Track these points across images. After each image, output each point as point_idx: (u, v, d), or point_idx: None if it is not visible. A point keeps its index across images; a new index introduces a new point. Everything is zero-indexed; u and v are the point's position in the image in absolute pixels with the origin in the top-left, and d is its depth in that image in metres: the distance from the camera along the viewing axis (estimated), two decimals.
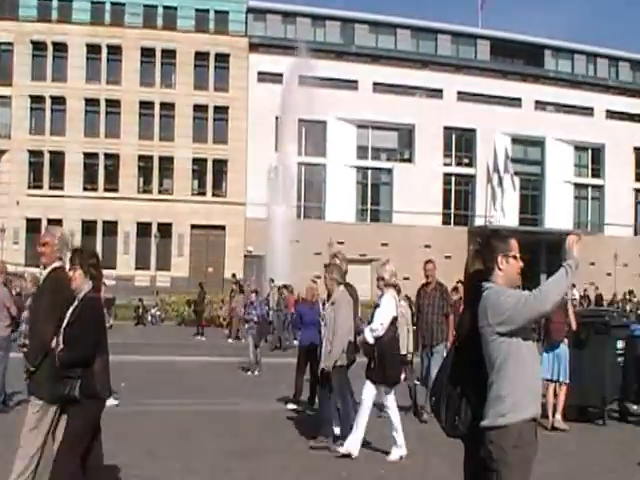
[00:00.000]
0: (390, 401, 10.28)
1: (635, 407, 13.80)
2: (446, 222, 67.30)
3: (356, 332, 10.56)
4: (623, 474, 9.80)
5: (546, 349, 12.69)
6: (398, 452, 10.06)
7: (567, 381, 12.64)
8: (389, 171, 66.77)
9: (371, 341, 10.08)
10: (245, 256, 60.04)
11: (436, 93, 66.74)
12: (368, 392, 10.17)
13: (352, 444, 10.08)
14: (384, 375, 10.10)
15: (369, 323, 10.28)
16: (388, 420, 10.25)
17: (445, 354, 12.56)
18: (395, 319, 10.35)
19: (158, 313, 44.28)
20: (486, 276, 5.29)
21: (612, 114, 71.91)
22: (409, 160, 67.30)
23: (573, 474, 9.74)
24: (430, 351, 13.27)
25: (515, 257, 5.28)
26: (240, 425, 12.52)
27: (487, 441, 5.06)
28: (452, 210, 68.02)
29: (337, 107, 59.72)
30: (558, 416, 12.51)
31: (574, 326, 12.62)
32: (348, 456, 10.02)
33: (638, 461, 10.19)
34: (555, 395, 12.78)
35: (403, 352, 13.58)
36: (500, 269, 5.23)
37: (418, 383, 14.11)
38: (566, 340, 12.68)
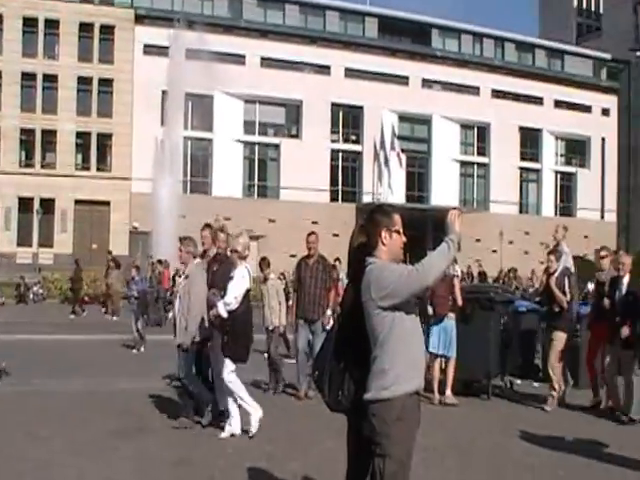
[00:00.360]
0: (231, 376, 10.10)
1: (519, 382, 14.09)
2: (334, 199, 67.61)
3: (209, 306, 10.35)
4: (505, 447, 9.95)
5: (433, 323, 12.85)
6: (255, 420, 10.00)
7: (454, 355, 12.81)
8: (276, 147, 66.59)
9: (225, 315, 9.92)
10: (131, 232, 59.13)
11: (324, 69, 66.87)
12: (228, 369, 10.05)
13: (235, 424, 10.05)
14: (234, 350, 9.95)
15: (222, 297, 10.10)
16: (234, 395, 10.11)
17: (322, 328, 12.66)
18: (248, 292, 10.15)
19: (41, 291, 43.18)
20: (370, 250, 5.30)
21: (498, 93, 73.54)
22: (296, 136, 67.26)
23: (456, 447, 9.85)
24: (311, 325, 13.05)
25: (398, 232, 5.32)
26: (125, 403, 12.23)
27: (370, 414, 5.11)
28: (340, 187, 68.35)
29: (224, 81, 59.06)
30: (448, 392, 12.71)
31: (459, 301, 12.78)
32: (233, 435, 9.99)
33: (519, 434, 10.43)
34: (442, 370, 12.97)
35: (276, 324, 13.67)
36: (384, 244, 5.27)
37: (293, 360, 14.12)
38: (452, 315, 12.83)
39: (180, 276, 11.54)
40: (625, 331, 11.46)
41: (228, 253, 10.94)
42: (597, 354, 12.56)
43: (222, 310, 9.91)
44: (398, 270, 5.09)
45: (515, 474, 8.67)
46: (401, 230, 5.32)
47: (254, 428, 9.94)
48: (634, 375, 11.51)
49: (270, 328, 13.75)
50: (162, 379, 14.53)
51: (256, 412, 9.99)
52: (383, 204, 6.12)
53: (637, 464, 8.97)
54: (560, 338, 12.50)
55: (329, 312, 13.01)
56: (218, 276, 10.68)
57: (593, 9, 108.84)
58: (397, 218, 5.34)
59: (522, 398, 13.17)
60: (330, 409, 5.57)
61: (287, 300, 14.67)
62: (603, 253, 12.97)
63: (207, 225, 11.85)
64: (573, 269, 13.08)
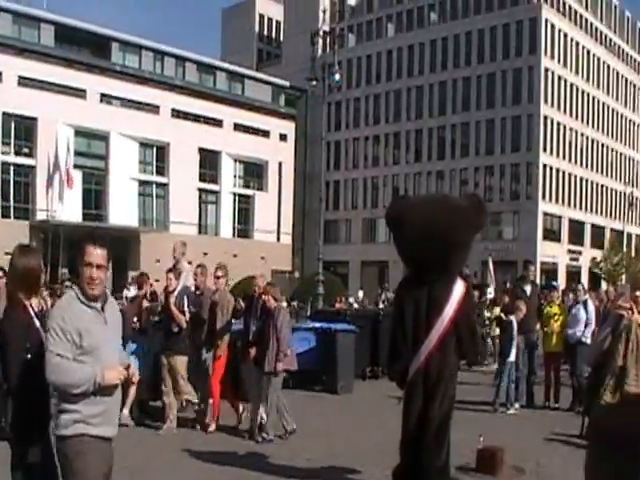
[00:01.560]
0: None
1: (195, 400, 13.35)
2: (6, 215, 63.23)
3: None
4: (179, 465, 10.28)
5: None
6: None
7: (137, 377, 12.02)
8: None
9: None
10: None
11: None
12: None
13: None
14: None
15: None
16: None
17: None
18: None
19: None
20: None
21: (178, 113, 72.88)
22: None
23: (129, 468, 9.33)
24: None
25: (89, 264, 5.11)
26: None
27: (56, 449, 5.08)
28: (11, 203, 64.14)
29: None
30: (125, 411, 12.34)
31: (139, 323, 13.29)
32: None
33: (194, 453, 10.88)
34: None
35: None
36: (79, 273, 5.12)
37: None
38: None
39: None
40: (253, 352, 12.21)
41: None
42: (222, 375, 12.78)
43: None
44: (62, 343, 4.87)
45: None
46: (93, 263, 5.09)
47: None
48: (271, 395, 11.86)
49: None
50: None
51: None
52: (96, 230, 5.41)
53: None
54: (182, 362, 12.46)
55: None
56: None
57: (274, 36, 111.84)
58: (90, 250, 5.12)
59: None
60: None
61: None
62: (219, 273, 13.23)
63: None
64: (193, 287, 13.24)
